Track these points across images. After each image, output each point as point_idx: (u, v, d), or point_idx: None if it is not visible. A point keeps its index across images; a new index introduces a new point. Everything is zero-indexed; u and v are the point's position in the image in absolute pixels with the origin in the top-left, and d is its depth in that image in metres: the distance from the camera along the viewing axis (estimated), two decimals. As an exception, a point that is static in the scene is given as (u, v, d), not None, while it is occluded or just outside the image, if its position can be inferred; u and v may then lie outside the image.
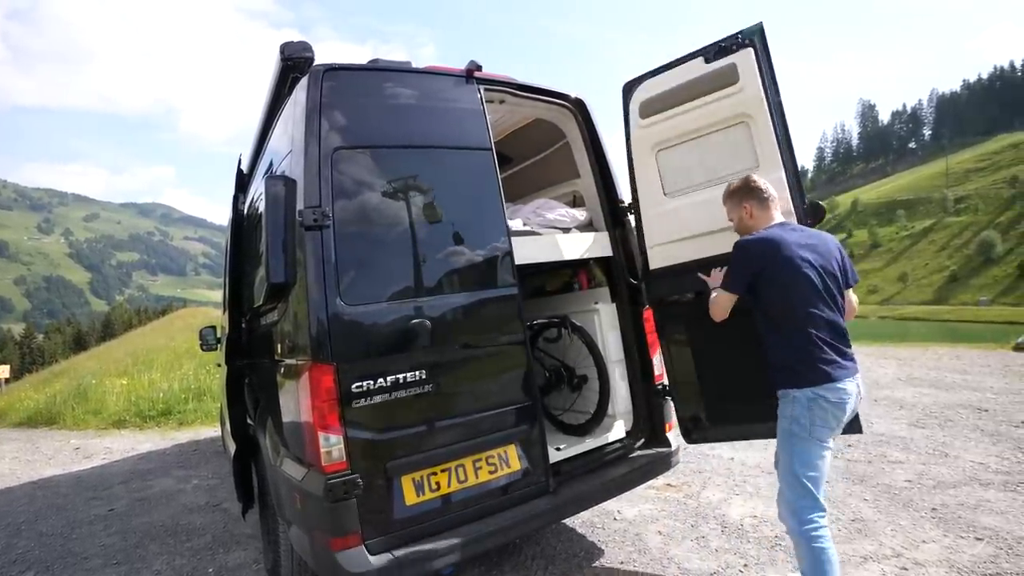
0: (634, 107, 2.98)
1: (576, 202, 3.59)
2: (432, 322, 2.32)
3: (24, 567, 3.48)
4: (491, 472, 2.45)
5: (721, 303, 2.40)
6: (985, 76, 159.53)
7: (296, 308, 2.27)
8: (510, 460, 2.51)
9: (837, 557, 2.18)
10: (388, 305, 2.29)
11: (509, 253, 2.61)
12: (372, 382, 2.17)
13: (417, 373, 2.27)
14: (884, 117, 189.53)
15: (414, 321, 2.28)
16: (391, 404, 2.22)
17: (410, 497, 2.24)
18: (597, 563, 2.96)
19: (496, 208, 2.63)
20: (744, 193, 2.44)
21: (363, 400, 2.16)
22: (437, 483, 2.31)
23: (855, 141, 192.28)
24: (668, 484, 4.00)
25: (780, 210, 2.45)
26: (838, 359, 2.22)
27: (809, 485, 2.19)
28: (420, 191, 2.49)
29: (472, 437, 2.42)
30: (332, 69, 2.37)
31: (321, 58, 2.42)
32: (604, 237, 3.24)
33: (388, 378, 2.21)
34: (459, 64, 2.81)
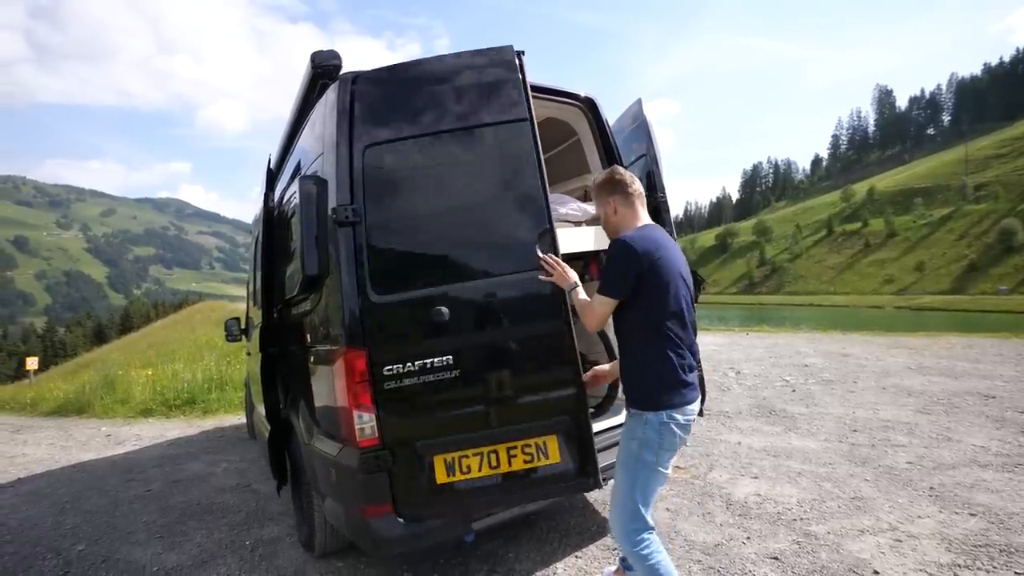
0: None
1: (587, 197, 3.75)
2: (461, 308, 2.36)
3: (75, 540, 3.74)
4: (526, 461, 2.40)
5: (598, 310, 2.09)
6: (1007, 59, 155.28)
7: (330, 299, 2.44)
8: (549, 451, 2.43)
9: (670, 562, 2.11)
10: (418, 293, 2.36)
11: (550, 230, 2.44)
12: (402, 366, 2.29)
13: (446, 359, 2.32)
14: (902, 103, 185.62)
15: (443, 308, 2.33)
16: (421, 387, 2.31)
17: (440, 476, 2.33)
18: (609, 536, 3.14)
19: (535, 183, 2.47)
20: (609, 187, 2.25)
21: (394, 383, 2.28)
22: (468, 466, 2.36)
23: (871, 128, 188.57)
24: (676, 466, 4.15)
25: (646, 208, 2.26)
26: (692, 378, 2.09)
27: (642, 510, 2.07)
28: (451, 175, 2.46)
29: (505, 424, 2.40)
30: (361, 76, 2.49)
31: (337, 49, 2.59)
32: None
33: (417, 363, 2.30)
34: None
